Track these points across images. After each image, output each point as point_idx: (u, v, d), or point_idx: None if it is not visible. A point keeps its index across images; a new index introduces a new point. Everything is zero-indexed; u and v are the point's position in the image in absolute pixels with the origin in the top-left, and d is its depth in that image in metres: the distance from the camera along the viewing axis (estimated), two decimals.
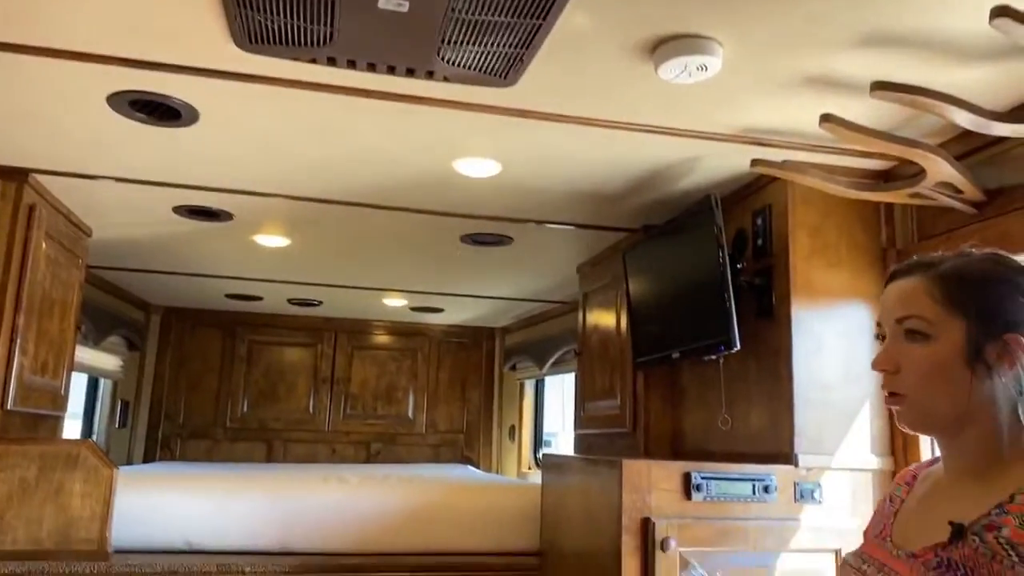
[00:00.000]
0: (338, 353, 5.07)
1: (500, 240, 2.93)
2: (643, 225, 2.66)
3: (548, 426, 4.99)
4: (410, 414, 5.10)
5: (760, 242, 2.18)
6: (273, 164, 2.21)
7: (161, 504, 2.45)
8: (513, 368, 5.08)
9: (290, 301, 4.50)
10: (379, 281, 3.92)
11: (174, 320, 4.85)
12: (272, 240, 3.06)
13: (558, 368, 4.38)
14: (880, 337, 1.07)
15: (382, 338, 5.15)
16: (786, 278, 2.06)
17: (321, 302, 4.52)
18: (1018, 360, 0.96)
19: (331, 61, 1.53)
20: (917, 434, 1.13)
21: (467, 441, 5.20)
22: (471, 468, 4.57)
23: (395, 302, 4.43)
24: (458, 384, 5.21)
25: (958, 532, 0.91)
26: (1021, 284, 0.99)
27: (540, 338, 4.53)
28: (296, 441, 4.94)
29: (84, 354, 3.78)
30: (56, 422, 2.72)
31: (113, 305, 4.11)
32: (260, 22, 1.40)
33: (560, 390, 4.98)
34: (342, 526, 2.50)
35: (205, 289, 4.19)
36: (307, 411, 4.98)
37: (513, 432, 5.08)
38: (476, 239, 2.92)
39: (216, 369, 4.89)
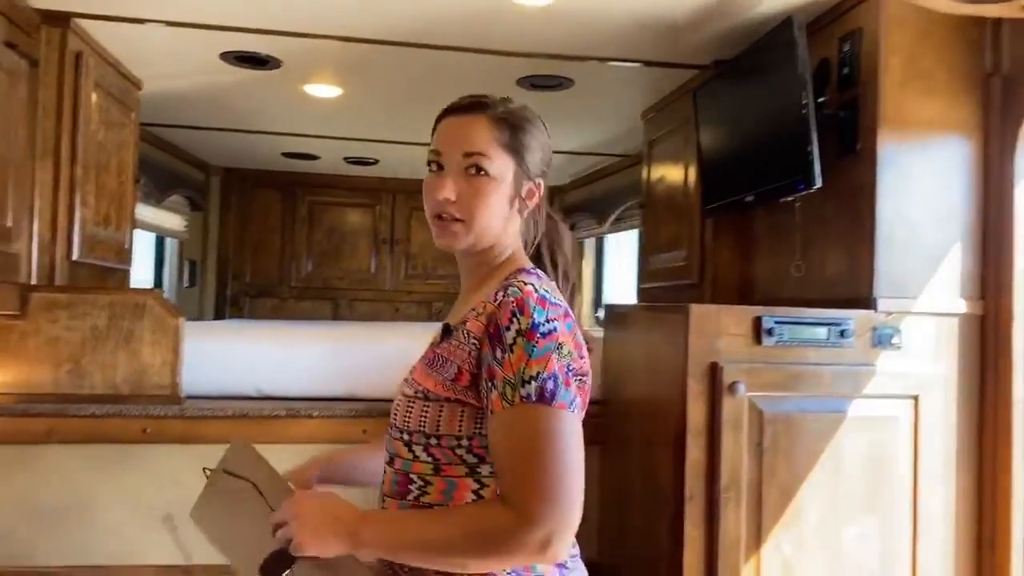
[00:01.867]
0: (396, 214, 5.04)
1: (559, 83, 2.77)
2: (714, 60, 2.46)
3: (608, 291, 4.95)
4: None
5: (846, 71, 1.98)
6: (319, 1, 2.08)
7: (232, 353, 2.49)
8: (573, 227, 4.99)
9: (346, 160, 4.44)
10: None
11: (234, 181, 4.86)
12: (323, 90, 2.96)
13: (619, 226, 4.27)
14: (432, 165, 1.16)
15: None
16: (874, 110, 1.87)
17: (377, 160, 4.44)
18: (536, 201, 1.17)
19: None
20: (452, 249, 1.20)
21: None
22: None
23: None
24: None
25: (446, 331, 1.10)
26: (546, 135, 1.19)
27: (600, 194, 4.40)
28: (360, 300, 5.02)
29: (147, 212, 3.82)
30: (123, 275, 2.77)
31: (173, 164, 4.11)
32: None
33: (619, 255, 4.89)
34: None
35: (261, 148, 4.15)
36: (369, 271, 5.03)
37: (575, 291, 5.05)
38: (533, 82, 2.76)
39: (278, 229, 4.93)
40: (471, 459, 1.08)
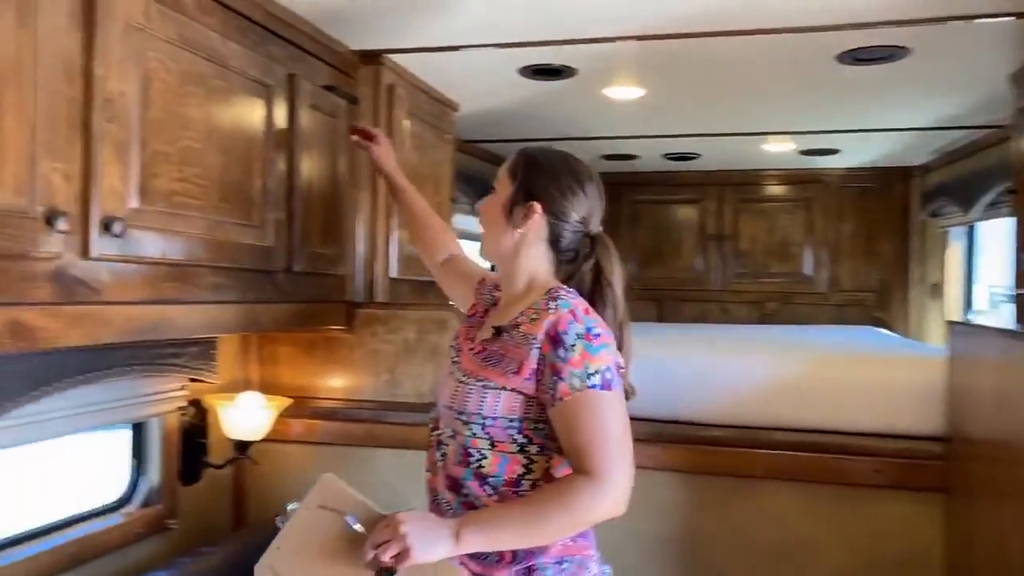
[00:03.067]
0: (724, 208, 4.76)
1: (890, 54, 2.33)
2: None
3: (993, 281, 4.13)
4: (808, 271, 4.63)
5: None
6: (593, 1, 1.98)
7: None
8: (934, 215, 4.26)
9: (666, 156, 4.29)
10: (755, 124, 3.49)
11: None
12: (624, 92, 2.85)
13: (993, 212, 3.52)
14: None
15: (771, 189, 4.70)
16: None
17: (699, 155, 4.23)
18: (532, 220, 1.41)
19: None
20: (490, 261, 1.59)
21: (879, 301, 4.57)
22: (881, 331, 4.00)
23: (779, 147, 3.94)
24: (863, 236, 4.55)
25: (497, 331, 1.40)
26: (563, 177, 1.43)
27: (966, 175, 3.68)
28: (686, 300, 4.84)
29: (475, 224, 4.06)
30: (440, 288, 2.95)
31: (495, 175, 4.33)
32: None
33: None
34: (703, 394, 2.32)
35: (579, 153, 4.12)
36: (695, 270, 4.83)
37: (937, 290, 4.32)
38: (857, 56, 2.35)
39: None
40: (521, 439, 1.35)
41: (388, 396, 2.40)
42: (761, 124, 3.49)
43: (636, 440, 2.21)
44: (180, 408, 2.15)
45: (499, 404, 1.34)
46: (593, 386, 1.27)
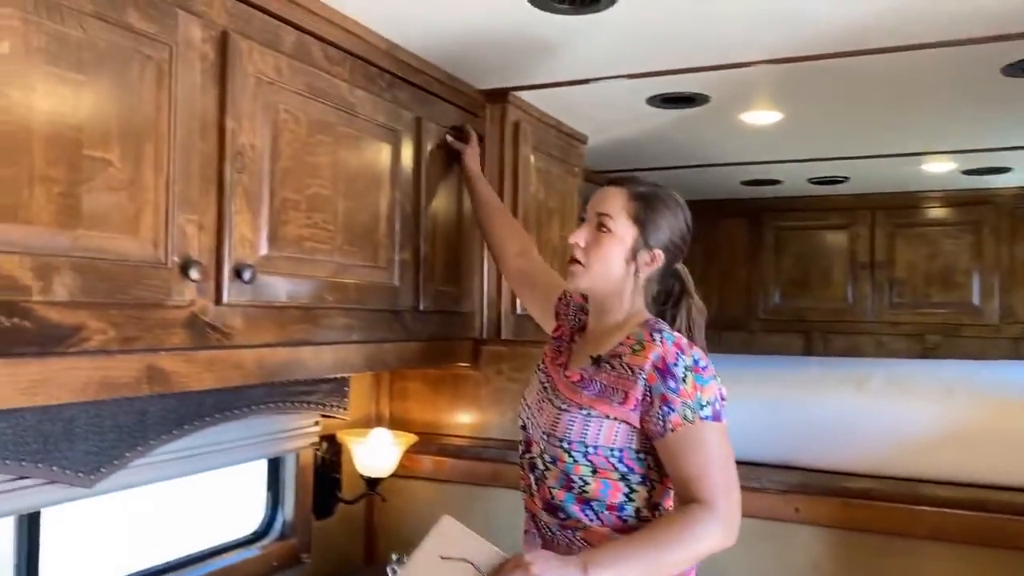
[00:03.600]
0: (877, 233, 4.43)
1: None
2: None
3: None
4: (975, 301, 4.22)
5: None
6: (721, 27, 1.89)
7: None
8: None
9: (811, 180, 4.05)
10: (909, 144, 3.23)
11: (697, 212, 4.81)
12: (761, 116, 2.72)
13: None
14: (581, 220, 1.55)
15: (931, 211, 4.33)
16: None
17: (847, 178, 3.96)
18: (655, 268, 1.49)
19: None
20: (575, 289, 1.59)
21: None
22: None
23: (940, 167, 3.63)
24: None
25: (595, 361, 1.45)
26: (680, 220, 1.51)
27: None
28: (836, 332, 4.53)
29: None
30: None
31: None
32: None
33: None
34: (855, 441, 2.12)
35: (717, 179, 4.03)
36: (845, 300, 4.51)
37: None
38: None
39: (744, 259, 4.74)
40: (623, 467, 1.40)
41: (513, 435, 2.36)
42: (916, 144, 3.22)
43: (773, 491, 2.07)
44: (314, 444, 2.21)
45: (602, 433, 1.39)
46: (705, 417, 1.33)
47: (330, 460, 2.28)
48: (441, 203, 2.18)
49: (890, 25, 1.86)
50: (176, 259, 1.36)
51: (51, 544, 1.63)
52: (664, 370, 1.35)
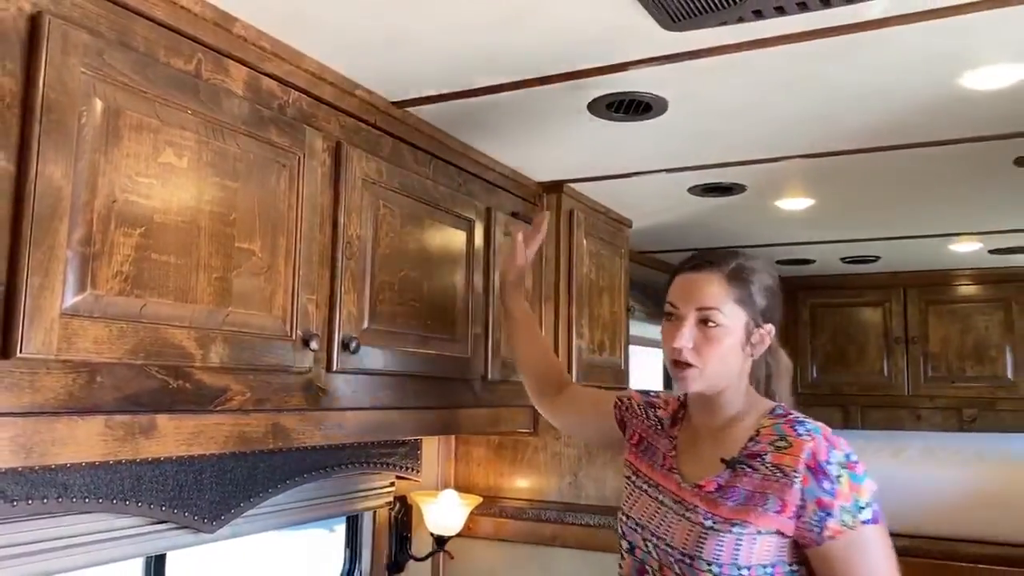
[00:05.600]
0: (909, 309, 4.59)
1: None
2: None
3: None
4: (1009, 374, 4.33)
5: None
6: (757, 129, 2.15)
7: None
8: None
9: (843, 260, 4.26)
10: (936, 226, 3.43)
11: None
12: (793, 203, 2.96)
13: None
14: (670, 316, 1.37)
15: (962, 288, 4.49)
16: None
17: (878, 257, 4.16)
18: (768, 344, 1.38)
19: (757, 14, 1.43)
20: (689, 391, 1.39)
21: None
22: None
23: (967, 246, 3.82)
24: None
25: (730, 464, 1.28)
26: (771, 280, 1.39)
27: None
28: (874, 406, 4.65)
29: (654, 331, 4.21)
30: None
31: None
32: (673, 1, 1.39)
33: None
34: (892, 502, 2.25)
35: None
36: (882, 374, 4.64)
37: None
38: None
39: (780, 335, 4.89)
40: None
41: (572, 498, 2.54)
42: (943, 226, 3.43)
43: None
44: (388, 503, 2.41)
45: (755, 550, 1.23)
46: (866, 521, 1.21)
47: (403, 519, 2.48)
48: None
49: (908, 126, 2.10)
50: (299, 332, 1.61)
51: None
52: (817, 469, 1.21)
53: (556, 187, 2.70)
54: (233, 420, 1.49)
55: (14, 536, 1.40)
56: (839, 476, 1.21)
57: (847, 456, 1.25)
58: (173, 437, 1.37)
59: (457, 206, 2.17)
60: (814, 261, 4.30)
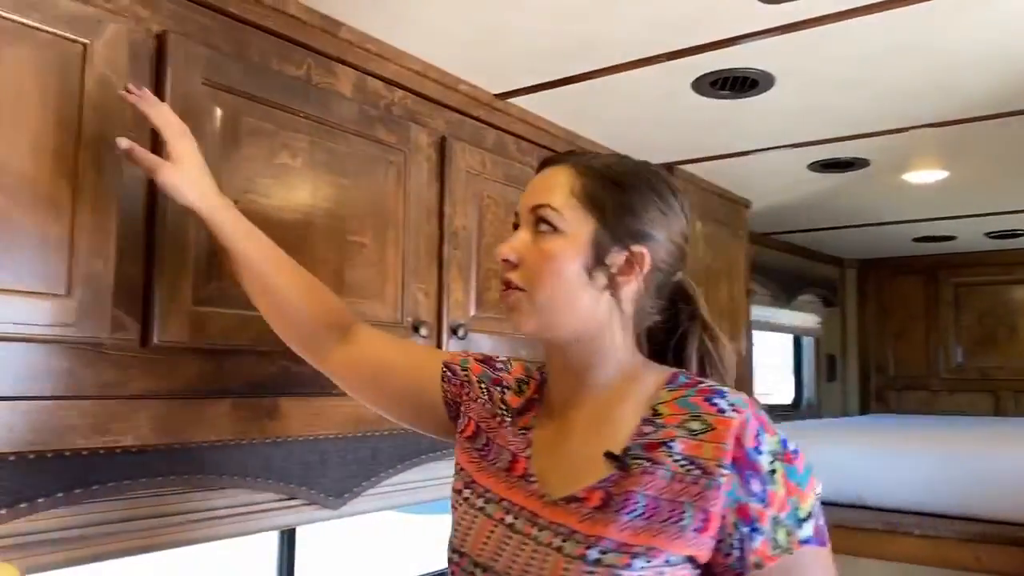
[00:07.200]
0: None
1: None
2: None
3: None
4: None
5: None
6: (874, 100, 2.04)
7: (832, 456, 2.49)
8: None
9: (989, 235, 3.96)
10: None
11: (870, 272, 4.79)
12: (925, 176, 2.78)
13: None
14: (515, 227, 0.96)
15: None
16: None
17: None
18: (637, 275, 0.89)
19: None
20: (526, 334, 0.91)
21: None
22: None
23: None
24: None
25: (619, 461, 0.83)
26: (667, 199, 0.92)
27: None
28: None
29: (778, 315, 4.08)
30: (742, 380, 3.03)
31: (802, 266, 4.31)
32: None
33: None
34: None
35: (888, 237, 4.03)
36: None
37: None
38: None
39: (921, 317, 4.63)
40: None
41: None
42: None
43: (953, 540, 2.09)
44: None
45: None
46: (807, 541, 0.81)
47: None
48: None
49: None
50: (409, 319, 1.68)
51: (302, 557, 1.98)
52: (744, 462, 0.81)
53: (667, 169, 2.66)
54: (351, 403, 1.58)
55: (161, 507, 1.56)
56: (773, 472, 0.81)
57: (783, 443, 0.83)
58: (295, 419, 1.47)
59: None
60: (955, 238, 4.03)
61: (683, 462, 0.83)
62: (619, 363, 0.93)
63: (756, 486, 0.81)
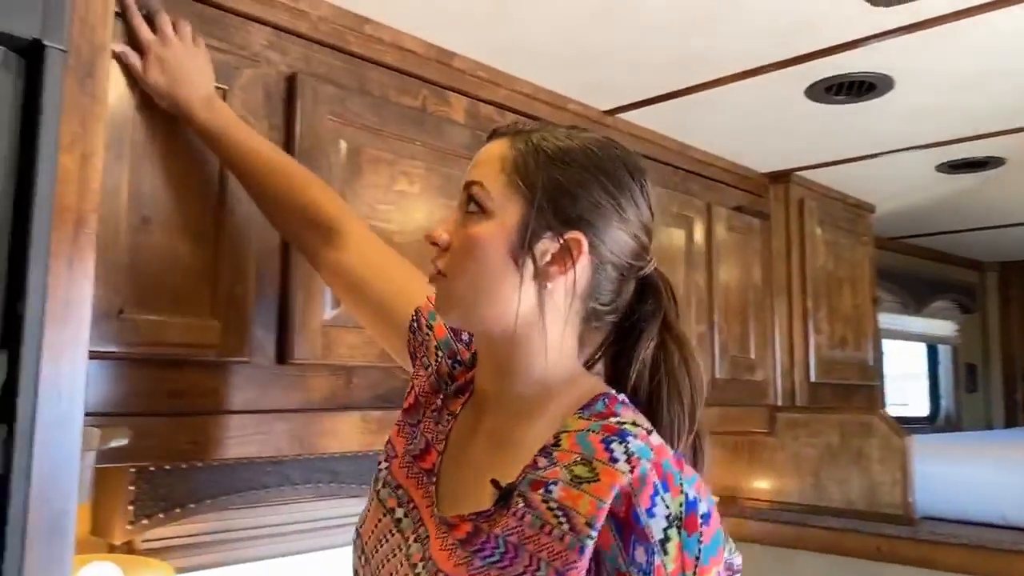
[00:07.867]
0: None
1: None
2: None
3: None
4: None
5: None
6: (1004, 97, 1.93)
7: (973, 475, 2.36)
8: None
9: None
10: None
11: (1013, 275, 4.48)
12: None
13: None
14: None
15: None
16: None
17: None
18: (571, 267, 0.75)
19: None
20: (454, 324, 0.82)
21: None
22: None
23: None
24: None
25: (504, 495, 0.70)
26: (619, 181, 0.78)
27: None
28: None
29: (909, 323, 3.89)
30: (870, 391, 2.90)
31: (934, 270, 4.08)
32: None
33: None
34: None
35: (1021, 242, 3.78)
36: None
37: None
38: None
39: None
40: None
41: (814, 499, 2.44)
42: None
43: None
44: None
45: None
46: None
47: None
48: (733, 276, 2.40)
49: None
50: None
51: None
52: (630, 523, 0.67)
53: (783, 176, 2.61)
54: None
55: (298, 514, 1.67)
56: (665, 542, 0.66)
57: (689, 505, 0.68)
58: (355, 432, 1.54)
59: (675, 205, 2.19)
60: None
61: (557, 511, 0.68)
62: (544, 371, 0.79)
63: (640, 555, 0.66)
